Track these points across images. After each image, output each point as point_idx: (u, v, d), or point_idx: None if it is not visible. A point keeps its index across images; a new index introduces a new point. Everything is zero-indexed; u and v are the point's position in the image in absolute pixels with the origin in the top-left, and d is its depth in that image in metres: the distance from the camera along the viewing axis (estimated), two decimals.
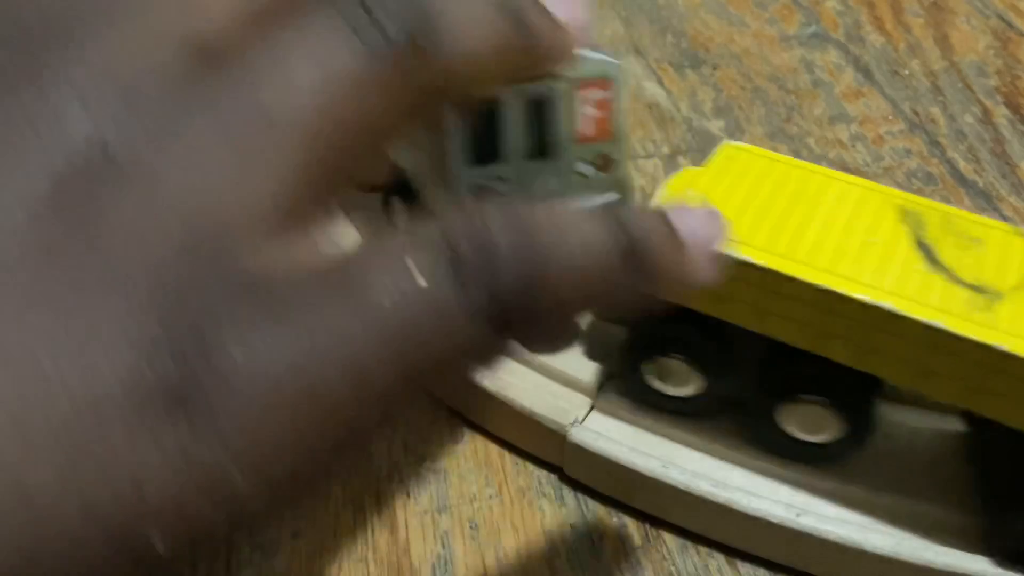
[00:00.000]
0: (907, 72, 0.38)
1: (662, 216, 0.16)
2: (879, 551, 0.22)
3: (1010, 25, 0.41)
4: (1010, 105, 0.37)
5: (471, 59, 0.16)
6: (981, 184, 0.33)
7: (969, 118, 0.36)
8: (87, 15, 0.15)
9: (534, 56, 0.18)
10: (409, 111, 0.16)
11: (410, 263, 0.14)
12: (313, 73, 0.14)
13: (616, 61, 0.20)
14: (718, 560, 0.23)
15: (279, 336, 0.13)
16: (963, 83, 0.38)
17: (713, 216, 0.17)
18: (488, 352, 0.15)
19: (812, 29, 0.41)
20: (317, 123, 0.14)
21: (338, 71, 0.14)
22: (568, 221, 0.15)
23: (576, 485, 0.24)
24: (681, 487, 0.23)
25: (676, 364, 0.23)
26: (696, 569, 0.23)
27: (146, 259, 0.13)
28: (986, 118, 0.36)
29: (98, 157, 0.13)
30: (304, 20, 0.15)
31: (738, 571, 0.23)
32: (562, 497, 0.24)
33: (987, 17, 0.41)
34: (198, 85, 0.14)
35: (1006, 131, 0.36)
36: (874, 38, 0.40)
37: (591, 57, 0.20)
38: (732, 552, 0.23)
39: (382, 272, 0.14)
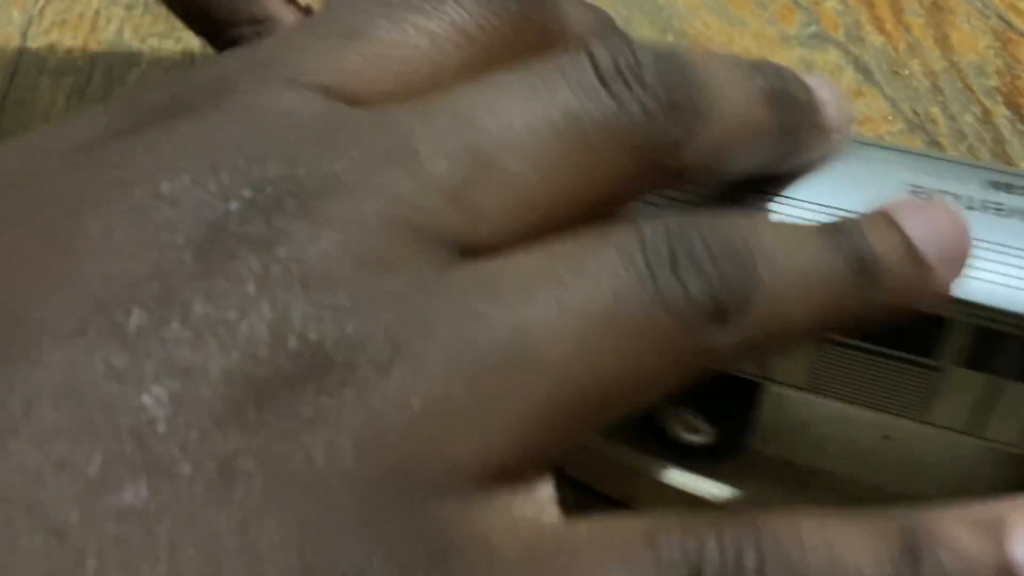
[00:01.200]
0: (907, 72, 0.38)
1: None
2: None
3: (1010, 25, 0.41)
4: (1010, 105, 0.37)
5: (786, 322, 0.13)
6: None
7: (969, 118, 0.36)
8: (337, 184, 0.12)
9: (875, 309, 0.14)
10: (685, 376, 0.13)
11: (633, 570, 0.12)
12: (586, 306, 0.12)
13: None
14: None
15: None
16: (963, 83, 0.38)
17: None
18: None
19: (812, 29, 0.41)
20: (577, 367, 0.12)
21: (616, 311, 0.12)
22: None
23: (576, 484, 0.24)
24: (681, 487, 0.23)
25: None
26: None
27: (328, 484, 0.11)
28: (986, 118, 0.36)
29: (305, 359, 0.11)
30: (593, 242, 0.13)
31: None
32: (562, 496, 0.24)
33: (987, 17, 0.41)
34: (447, 288, 0.12)
35: (1006, 131, 0.36)
36: (874, 38, 0.40)
37: None
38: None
39: (594, 569, 0.12)
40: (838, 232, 0.14)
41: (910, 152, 0.20)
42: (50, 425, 0.10)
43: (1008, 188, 0.19)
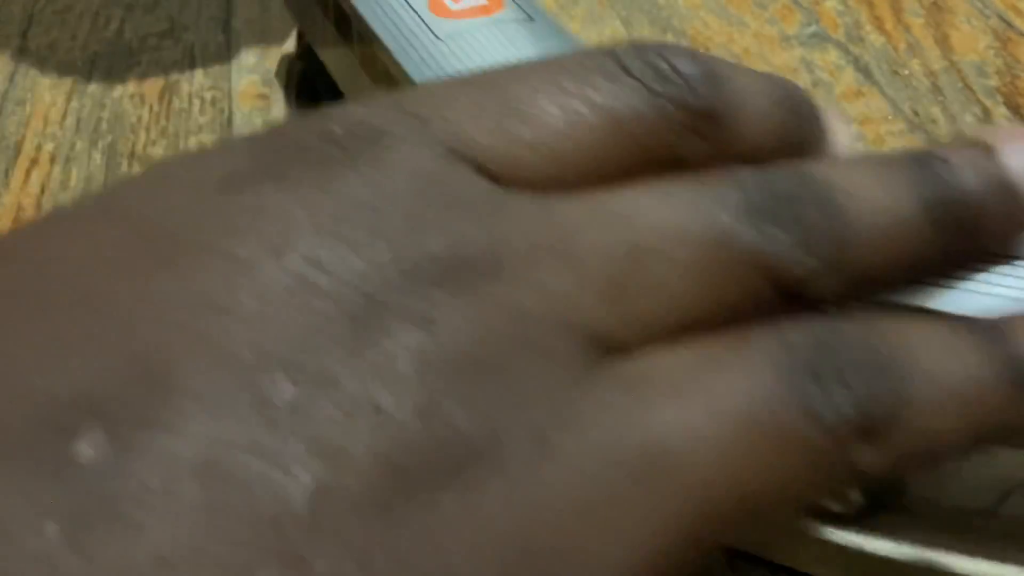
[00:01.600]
0: (907, 72, 0.38)
1: None
2: (879, 552, 0.22)
3: (1010, 25, 0.41)
4: (1010, 105, 0.37)
5: (937, 440, 0.13)
6: None
7: (969, 118, 0.36)
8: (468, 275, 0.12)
9: None
10: (831, 489, 0.13)
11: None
12: (732, 415, 0.12)
13: None
14: (718, 560, 0.23)
15: None
16: (963, 83, 0.38)
17: None
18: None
19: (812, 29, 0.41)
20: (719, 474, 0.11)
21: (763, 421, 0.12)
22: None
23: None
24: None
25: None
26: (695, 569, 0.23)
27: None
28: (986, 118, 0.36)
29: (453, 449, 0.10)
30: (738, 346, 0.12)
31: (738, 571, 0.23)
32: None
33: (987, 17, 0.41)
34: (596, 386, 0.12)
35: None
36: (874, 38, 0.40)
37: None
38: (731, 552, 0.23)
39: None
40: (994, 334, 0.13)
41: None
42: (187, 505, 0.10)
43: None
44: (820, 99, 0.37)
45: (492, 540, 0.10)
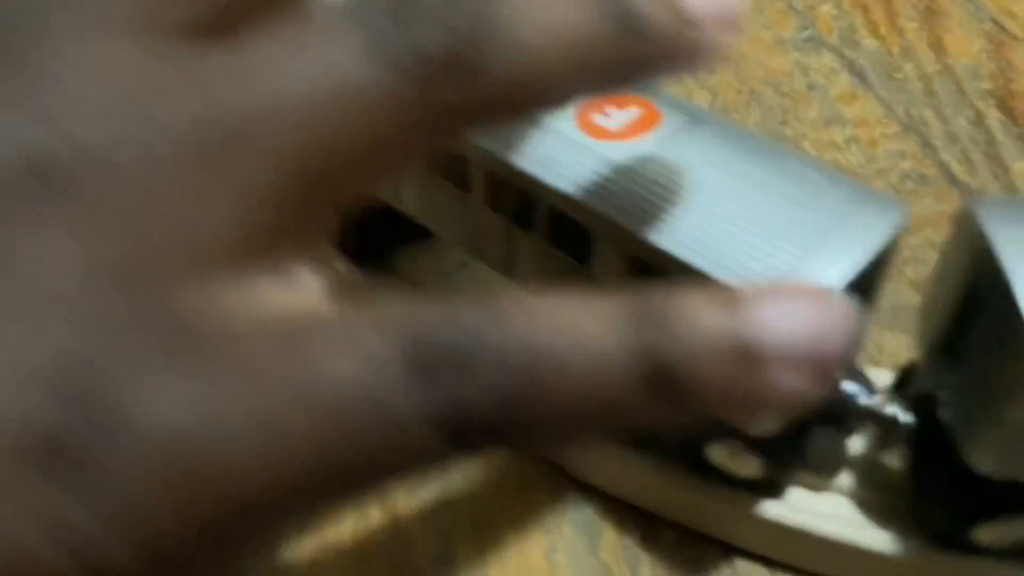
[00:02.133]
0: (901, 75, 0.39)
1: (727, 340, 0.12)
2: (875, 549, 0.22)
3: (1003, 29, 0.41)
4: (1003, 108, 0.37)
5: (541, 74, 0.12)
6: (974, 186, 0.34)
7: (962, 120, 0.37)
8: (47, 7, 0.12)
9: (644, 64, 0.13)
10: (436, 138, 0.13)
11: (365, 344, 0.11)
12: (306, 83, 0.12)
13: None
14: (715, 557, 0.23)
15: (187, 393, 0.11)
16: (956, 86, 0.38)
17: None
18: (441, 462, 0.12)
19: (807, 33, 0.41)
20: (300, 143, 0.12)
21: (339, 85, 0.12)
22: (578, 323, 0.12)
23: (576, 481, 0.24)
24: (680, 484, 0.23)
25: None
26: (694, 566, 0.23)
27: (56, 284, 0.11)
28: (979, 120, 0.36)
29: (32, 168, 0.11)
30: (312, 20, 0.12)
31: (735, 569, 0.23)
32: (562, 492, 0.24)
33: (981, 21, 0.41)
34: (158, 75, 0.12)
35: (999, 133, 0.36)
36: (868, 42, 0.41)
37: None
38: (730, 549, 0.23)
39: (332, 344, 0.11)
40: None
41: None
42: None
43: None
44: (815, 102, 0.37)
45: (71, 234, 0.11)
